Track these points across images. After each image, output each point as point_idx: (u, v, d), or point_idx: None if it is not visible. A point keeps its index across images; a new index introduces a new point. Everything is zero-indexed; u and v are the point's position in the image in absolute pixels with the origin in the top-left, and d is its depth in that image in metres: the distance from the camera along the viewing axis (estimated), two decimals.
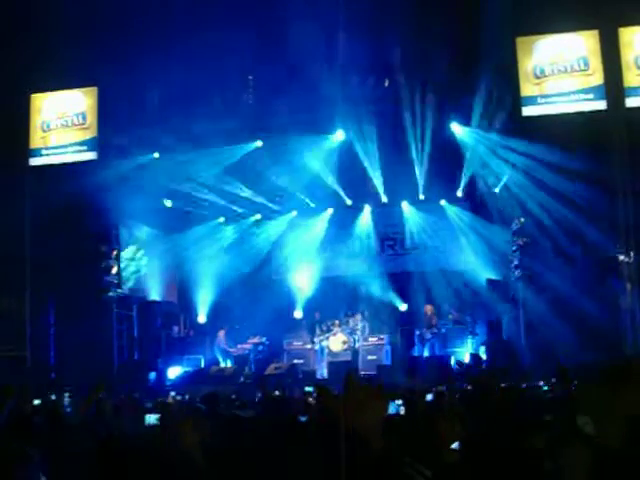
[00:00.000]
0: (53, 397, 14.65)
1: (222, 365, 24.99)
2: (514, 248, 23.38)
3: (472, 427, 6.06)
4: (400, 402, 7.19)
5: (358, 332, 25.24)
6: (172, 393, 18.38)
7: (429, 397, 11.41)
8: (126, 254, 25.73)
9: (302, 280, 27.25)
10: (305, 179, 25.36)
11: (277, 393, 13.81)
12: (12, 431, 6.42)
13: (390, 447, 3.29)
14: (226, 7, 20.63)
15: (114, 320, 24.63)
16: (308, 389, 10.19)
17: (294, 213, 27.98)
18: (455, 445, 5.67)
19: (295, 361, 24.66)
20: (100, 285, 24.10)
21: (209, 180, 25.27)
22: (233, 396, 14.00)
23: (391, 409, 7.08)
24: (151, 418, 8.68)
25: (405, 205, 27.08)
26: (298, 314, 27.07)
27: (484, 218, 24.81)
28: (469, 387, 11.18)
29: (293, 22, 19.61)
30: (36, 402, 13.48)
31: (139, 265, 26.65)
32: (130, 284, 25.83)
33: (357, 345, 24.93)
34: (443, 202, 26.51)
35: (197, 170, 24.39)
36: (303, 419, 6.54)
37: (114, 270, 24.78)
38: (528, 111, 21.40)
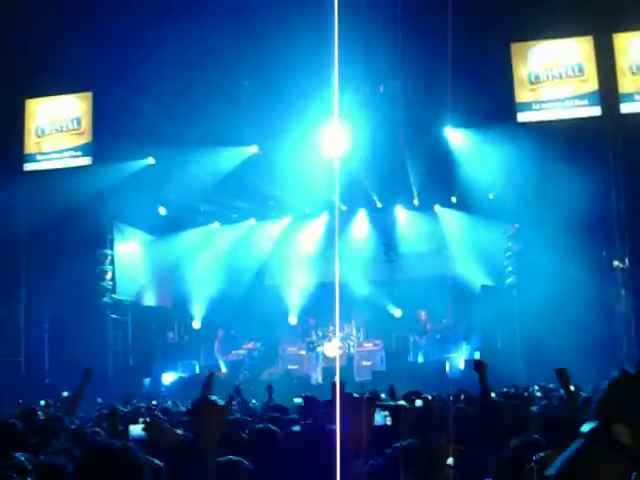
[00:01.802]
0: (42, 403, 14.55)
1: (222, 370, 25.02)
2: (508, 254, 23.42)
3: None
4: (387, 413, 7.15)
5: (353, 338, 25.28)
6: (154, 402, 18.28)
7: (418, 402, 11.36)
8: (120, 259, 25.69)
9: (297, 286, 27.24)
10: (299, 184, 25.33)
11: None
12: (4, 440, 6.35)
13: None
14: (221, 13, 20.62)
15: (109, 325, 24.59)
16: (297, 400, 10.06)
17: (289, 218, 27.97)
18: (450, 461, 5.63)
19: (290, 367, 24.69)
20: (95, 290, 24.08)
21: (203, 186, 25.24)
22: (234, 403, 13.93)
23: (379, 420, 7.05)
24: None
25: (400, 210, 27.08)
26: (293, 320, 27.07)
27: (478, 224, 24.78)
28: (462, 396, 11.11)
29: (288, 27, 19.59)
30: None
31: (134, 270, 26.62)
32: (124, 289, 25.77)
33: (352, 351, 24.97)
34: (437, 208, 26.52)
35: (191, 175, 24.35)
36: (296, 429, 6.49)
37: (109, 275, 24.74)
38: (523, 117, 21.44)
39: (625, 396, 2.82)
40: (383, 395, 12.53)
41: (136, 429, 5.72)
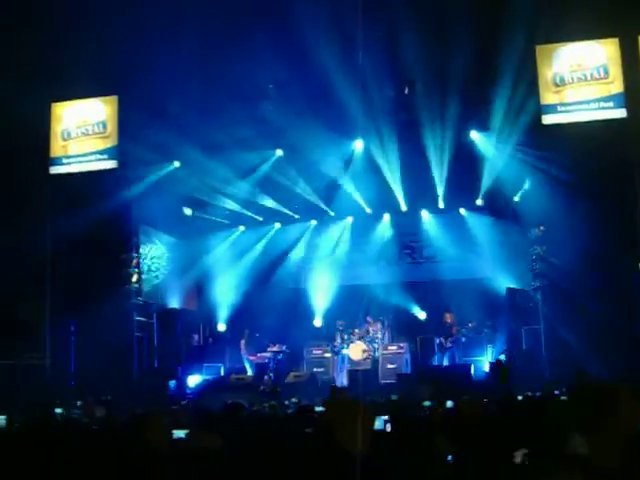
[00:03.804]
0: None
1: (247, 373, 25.04)
2: (533, 257, 23.32)
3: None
4: (386, 417, 7.12)
5: (378, 340, 25.23)
6: (183, 402, 18.36)
7: (449, 404, 11.36)
8: (146, 261, 25.77)
9: (322, 288, 27.21)
10: (325, 187, 25.36)
11: (294, 400, 13.78)
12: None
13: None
14: (246, 16, 20.65)
15: (134, 328, 24.65)
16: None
17: (314, 222, 27.98)
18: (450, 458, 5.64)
19: (315, 369, 24.68)
20: (120, 293, 24.14)
21: (229, 189, 25.32)
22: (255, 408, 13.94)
23: (379, 425, 7.03)
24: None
25: (425, 213, 27.03)
26: (318, 322, 27.04)
27: (504, 226, 24.70)
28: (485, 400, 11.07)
29: (313, 31, 19.59)
30: (58, 411, 13.47)
31: (159, 272, 26.68)
32: (150, 292, 25.84)
33: (377, 354, 24.91)
34: (463, 210, 26.44)
35: (217, 179, 24.42)
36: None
37: (134, 278, 24.81)
38: (548, 119, 21.27)
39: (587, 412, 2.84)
40: None
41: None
